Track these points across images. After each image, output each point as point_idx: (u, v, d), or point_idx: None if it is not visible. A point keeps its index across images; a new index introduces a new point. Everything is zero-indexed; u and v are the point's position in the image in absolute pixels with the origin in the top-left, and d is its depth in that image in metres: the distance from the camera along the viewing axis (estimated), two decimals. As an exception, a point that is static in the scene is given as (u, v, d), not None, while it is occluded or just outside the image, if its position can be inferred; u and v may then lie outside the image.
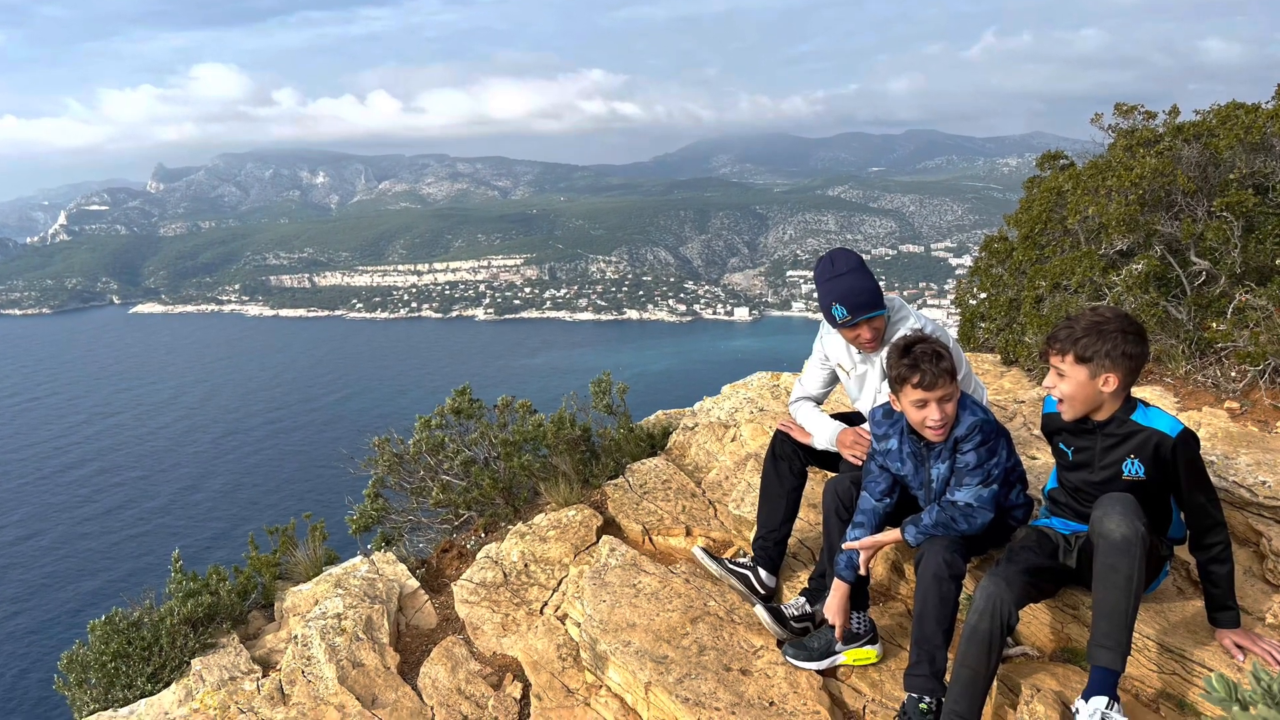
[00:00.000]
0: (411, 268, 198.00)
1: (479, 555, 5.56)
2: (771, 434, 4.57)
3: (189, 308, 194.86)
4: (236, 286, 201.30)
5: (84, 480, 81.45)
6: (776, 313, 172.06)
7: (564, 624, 4.69)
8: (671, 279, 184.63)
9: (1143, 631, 3.34)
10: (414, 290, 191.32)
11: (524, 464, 6.27)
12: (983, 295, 8.78)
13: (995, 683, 3.26)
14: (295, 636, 5.01)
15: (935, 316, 4.28)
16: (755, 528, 4.50)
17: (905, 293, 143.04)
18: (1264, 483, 4.02)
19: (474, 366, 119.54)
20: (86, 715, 5.03)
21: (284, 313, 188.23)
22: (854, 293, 3.86)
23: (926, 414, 3.42)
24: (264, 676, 4.90)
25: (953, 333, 5.79)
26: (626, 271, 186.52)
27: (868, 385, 4.18)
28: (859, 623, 3.81)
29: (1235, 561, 3.30)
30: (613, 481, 6.03)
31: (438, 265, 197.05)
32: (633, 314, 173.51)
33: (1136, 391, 5.00)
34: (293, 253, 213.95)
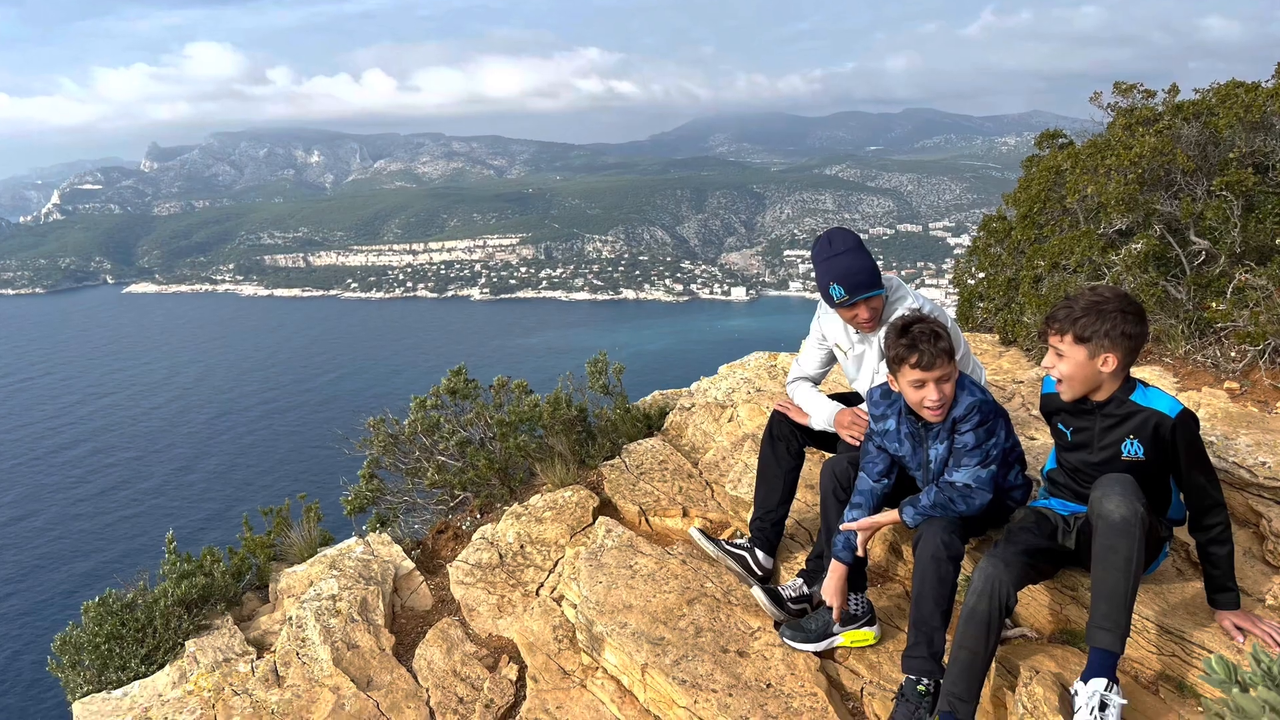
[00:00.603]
0: (407, 247, 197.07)
1: (475, 536, 5.54)
2: (769, 414, 4.55)
3: (183, 287, 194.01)
4: (231, 266, 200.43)
5: (77, 461, 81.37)
6: (774, 292, 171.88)
7: (560, 605, 4.67)
8: (668, 258, 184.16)
9: (1142, 613, 3.33)
10: (409, 270, 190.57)
11: (520, 444, 6.24)
12: (981, 275, 8.75)
13: (994, 664, 3.25)
14: (290, 618, 4.99)
15: (933, 296, 4.25)
16: (752, 509, 4.49)
17: (903, 272, 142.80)
18: (1264, 463, 4.00)
19: (469, 346, 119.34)
20: (80, 697, 5.01)
21: (278, 292, 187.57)
22: (852, 272, 3.83)
23: (924, 394, 3.39)
24: (258, 658, 4.89)
25: (951, 312, 5.76)
26: (623, 251, 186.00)
27: (865, 365, 4.15)
28: (857, 604, 3.80)
29: (1235, 543, 3.29)
30: (609, 462, 6.00)
31: (433, 245, 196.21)
32: (629, 294, 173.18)
33: (1136, 372, 4.97)
34: (287, 232, 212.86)
